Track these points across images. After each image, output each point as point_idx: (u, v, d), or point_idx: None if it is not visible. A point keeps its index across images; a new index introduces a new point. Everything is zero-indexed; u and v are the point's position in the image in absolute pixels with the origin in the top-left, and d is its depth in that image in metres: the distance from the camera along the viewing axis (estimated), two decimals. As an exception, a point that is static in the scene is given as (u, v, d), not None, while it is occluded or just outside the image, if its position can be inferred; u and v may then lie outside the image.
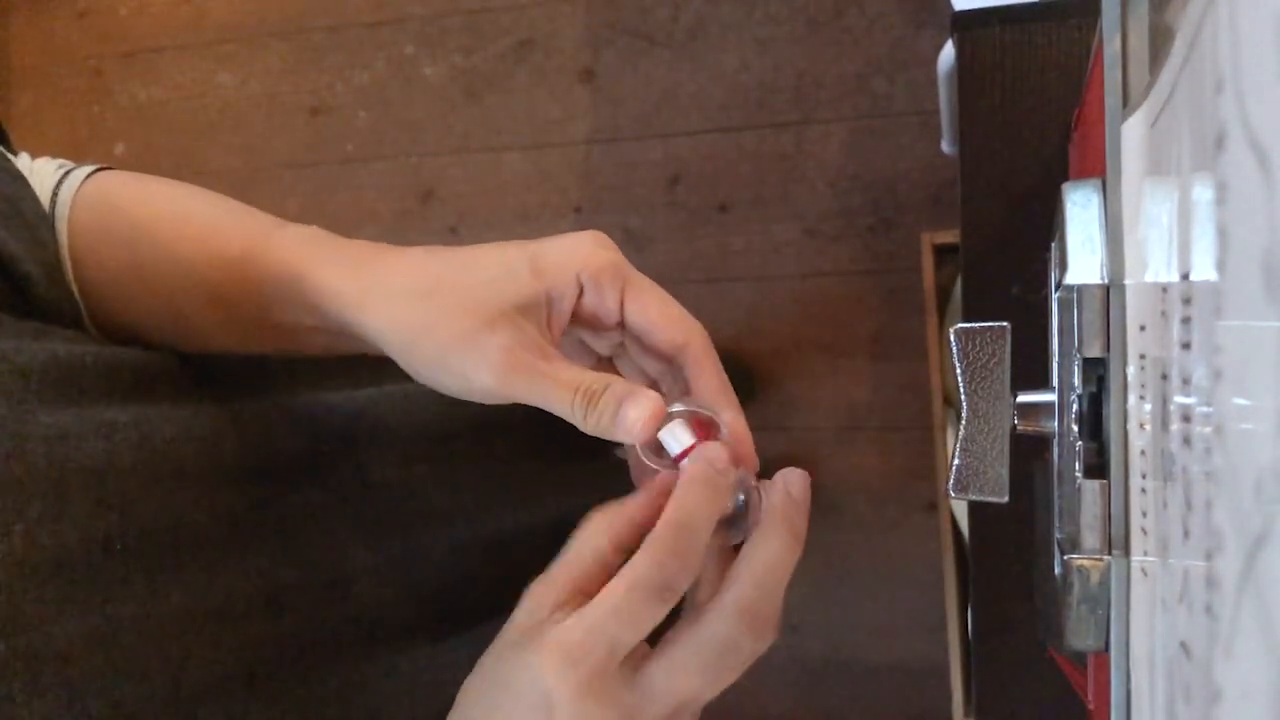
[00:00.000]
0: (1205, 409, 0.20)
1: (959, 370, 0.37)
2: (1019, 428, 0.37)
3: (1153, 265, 0.28)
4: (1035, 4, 0.58)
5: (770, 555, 0.35)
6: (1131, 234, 0.30)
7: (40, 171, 0.45)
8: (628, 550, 0.34)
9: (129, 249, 0.43)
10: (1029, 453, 0.45)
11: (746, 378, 1.39)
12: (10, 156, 0.45)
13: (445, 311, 0.35)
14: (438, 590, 0.53)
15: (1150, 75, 0.30)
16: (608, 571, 0.34)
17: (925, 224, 1.33)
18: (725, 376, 0.39)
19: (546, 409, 0.36)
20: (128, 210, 0.44)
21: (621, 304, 0.38)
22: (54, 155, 0.50)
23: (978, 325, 0.37)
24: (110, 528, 0.36)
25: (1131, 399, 0.29)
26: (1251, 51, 0.17)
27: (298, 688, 0.44)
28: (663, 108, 1.45)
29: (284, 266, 0.40)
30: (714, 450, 0.37)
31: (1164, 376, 0.25)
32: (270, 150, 1.62)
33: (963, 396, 0.37)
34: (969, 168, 0.60)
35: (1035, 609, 0.51)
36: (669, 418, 0.36)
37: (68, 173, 0.45)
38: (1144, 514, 0.28)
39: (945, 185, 1.34)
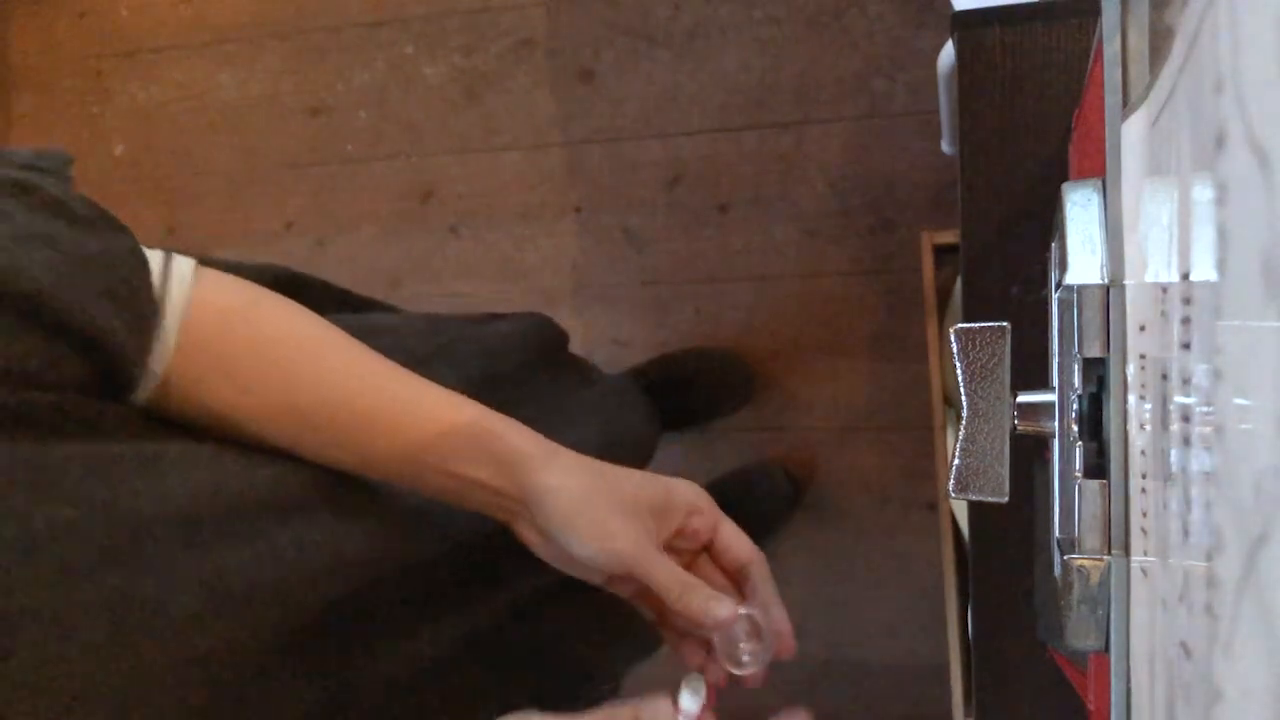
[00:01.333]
0: (1205, 409, 0.20)
1: (959, 370, 0.37)
2: (1019, 428, 0.37)
3: (1153, 265, 0.28)
4: (1035, 4, 0.58)
5: None
6: (1131, 234, 0.30)
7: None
8: None
9: (284, 386, 0.48)
10: (1029, 453, 0.45)
11: (746, 378, 1.39)
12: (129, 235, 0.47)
13: (608, 493, 0.50)
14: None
15: (1150, 75, 0.30)
16: None
17: (925, 224, 1.33)
18: (774, 584, 0.54)
19: (649, 583, 0.50)
20: (285, 349, 0.50)
21: (713, 532, 0.54)
22: None
23: (978, 325, 0.37)
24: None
25: (1131, 399, 0.29)
26: (1251, 51, 0.17)
27: None
28: (663, 108, 1.45)
29: (480, 426, 0.50)
30: None
31: (1164, 376, 0.25)
32: (270, 150, 1.62)
33: (963, 396, 0.37)
34: (969, 168, 0.60)
35: (1035, 609, 0.51)
36: (740, 619, 0.52)
37: (168, 257, 0.47)
38: (1144, 514, 0.28)
39: (945, 185, 1.34)
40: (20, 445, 0.37)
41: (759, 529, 1.37)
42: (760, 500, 1.35)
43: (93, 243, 0.43)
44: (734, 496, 1.35)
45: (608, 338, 1.46)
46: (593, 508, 0.49)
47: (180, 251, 0.48)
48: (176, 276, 0.46)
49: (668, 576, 0.50)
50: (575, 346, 1.46)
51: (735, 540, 0.54)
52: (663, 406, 1.35)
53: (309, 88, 1.61)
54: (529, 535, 0.52)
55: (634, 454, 1.04)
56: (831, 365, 1.38)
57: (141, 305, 0.44)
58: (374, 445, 0.49)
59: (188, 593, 0.41)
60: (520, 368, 0.78)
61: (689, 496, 0.53)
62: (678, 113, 1.44)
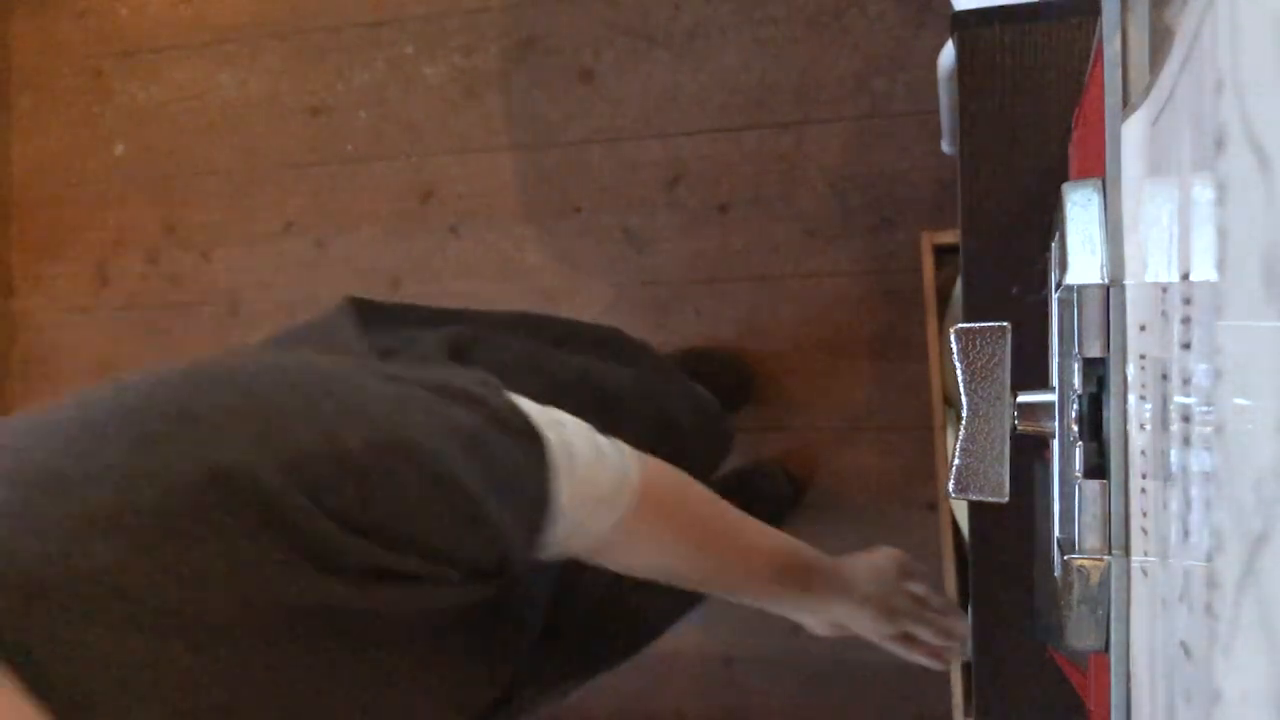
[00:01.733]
0: (1205, 409, 0.20)
1: (959, 370, 0.37)
2: (1019, 428, 0.37)
3: (1153, 265, 0.28)
4: (1035, 4, 0.58)
5: None
6: (1131, 234, 0.30)
7: (607, 450, 0.57)
8: None
9: (690, 557, 0.65)
10: (1029, 453, 0.45)
11: (746, 378, 1.39)
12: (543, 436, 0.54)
13: (870, 593, 0.73)
14: None
15: (1150, 75, 0.30)
16: None
17: (925, 224, 1.33)
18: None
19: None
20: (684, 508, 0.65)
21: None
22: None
23: (978, 325, 0.37)
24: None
25: (1131, 399, 0.29)
26: (1251, 51, 0.17)
27: None
28: (663, 108, 1.45)
29: (784, 553, 0.72)
30: None
31: (1164, 377, 0.25)
32: (270, 150, 1.62)
33: (963, 396, 0.37)
34: (969, 168, 0.60)
35: (1035, 609, 0.51)
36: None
37: (623, 458, 0.58)
38: (1144, 514, 0.28)
39: (945, 185, 1.34)
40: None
41: (759, 529, 1.37)
42: (760, 500, 1.36)
43: (517, 454, 0.51)
44: (734, 497, 1.35)
45: (608, 338, 1.46)
46: (882, 627, 0.73)
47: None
48: (632, 480, 0.57)
49: (902, 647, 0.75)
50: (575, 346, 1.46)
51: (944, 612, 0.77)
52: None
53: (309, 88, 1.61)
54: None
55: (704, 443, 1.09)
56: (831, 365, 1.38)
57: (538, 513, 0.52)
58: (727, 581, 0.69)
59: None
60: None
61: (904, 561, 0.76)
62: (678, 113, 1.44)
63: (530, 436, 0.51)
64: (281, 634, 0.40)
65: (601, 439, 0.57)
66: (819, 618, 0.72)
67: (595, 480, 0.55)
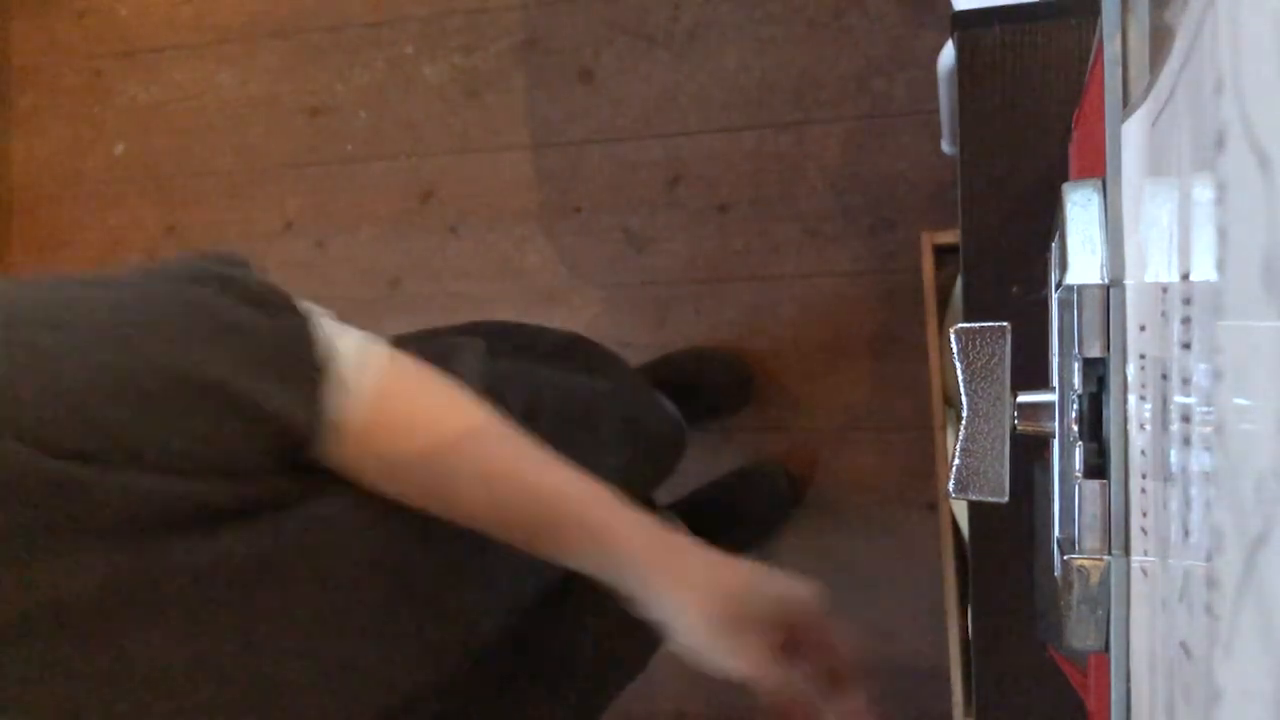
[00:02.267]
0: (1205, 409, 0.20)
1: (959, 370, 0.37)
2: (1019, 428, 0.37)
3: (1153, 265, 0.28)
4: (1035, 4, 0.58)
5: None
6: (1131, 234, 0.30)
7: (324, 335, 0.51)
8: None
9: (427, 470, 0.52)
10: (1029, 453, 0.45)
11: (746, 378, 1.39)
12: (303, 310, 0.51)
13: (724, 611, 0.52)
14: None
15: (1150, 75, 0.30)
16: None
17: (925, 224, 1.33)
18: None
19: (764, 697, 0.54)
20: (448, 444, 0.52)
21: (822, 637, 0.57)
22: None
23: (978, 325, 0.37)
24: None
25: (1131, 399, 0.29)
26: (1251, 51, 0.17)
27: None
28: (663, 108, 1.45)
29: (620, 547, 0.53)
30: None
31: (1164, 377, 0.25)
32: (270, 150, 1.62)
33: (963, 396, 0.37)
34: (969, 168, 0.60)
35: (1035, 609, 0.51)
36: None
37: (368, 342, 0.52)
38: (1144, 514, 0.28)
39: (945, 185, 1.34)
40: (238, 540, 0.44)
41: (759, 529, 1.37)
42: (760, 500, 1.35)
43: (278, 325, 0.48)
44: (734, 496, 1.35)
45: (608, 338, 1.45)
46: (707, 633, 0.52)
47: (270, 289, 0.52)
48: (373, 369, 0.50)
49: (782, 685, 0.54)
50: (575, 346, 1.46)
51: (843, 647, 0.57)
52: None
53: (309, 88, 1.61)
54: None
55: (659, 453, 1.05)
56: (831, 365, 1.38)
57: (314, 384, 0.48)
58: (513, 537, 0.55)
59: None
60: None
61: (804, 605, 0.55)
62: (678, 113, 1.44)
63: (279, 306, 0.49)
64: (121, 617, 0.39)
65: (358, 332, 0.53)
66: (656, 607, 0.53)
67: (346, 342, 0.51)
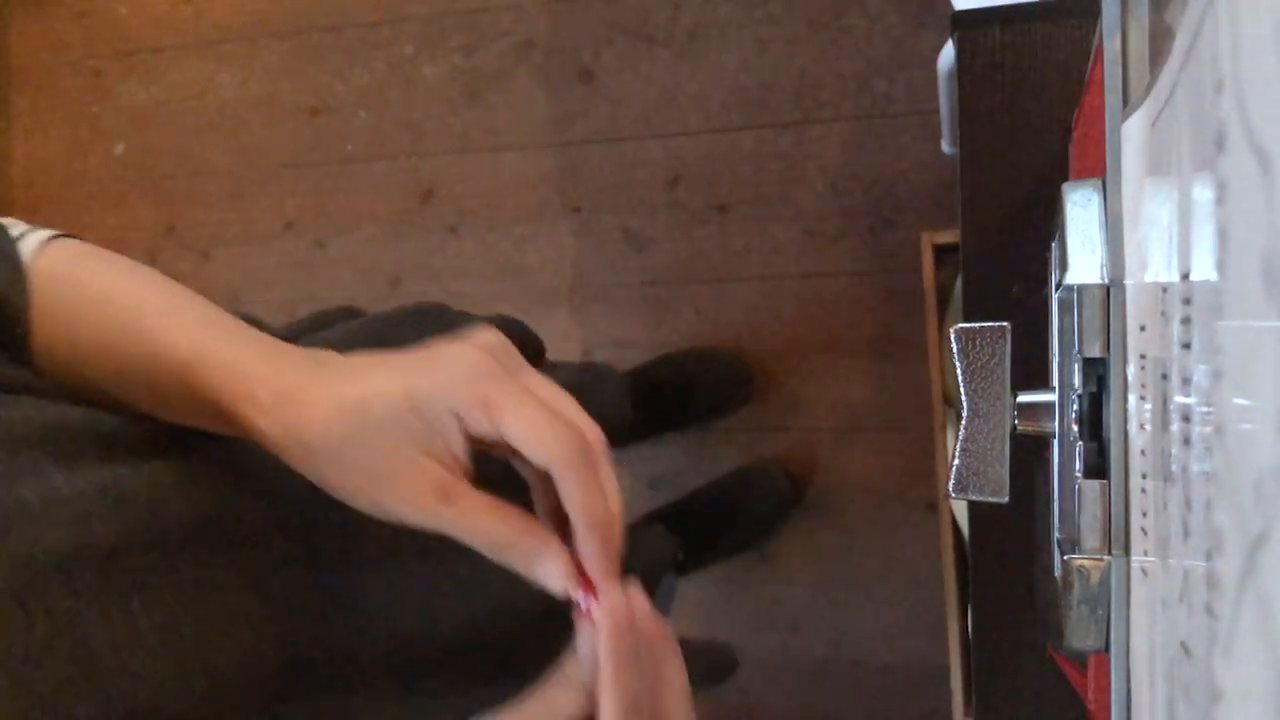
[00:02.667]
0: (1205, 409, 0.20)
1: (959, 370, 0.37)
2: (1019, 428, 0.37)
3: (1153, 265, 0.28)
4: (1035, 4, 0.58)
5: (674, 677, 0.38)
6: (1131, 234, 0.30)
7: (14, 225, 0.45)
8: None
9: (69, 329, 0.43)
10: (1029, 453, 0.45)
11: (746, 378, 1.39)
12: None
13: (352, 468, 0.37)
14: (459, 632, 0.55)
15: (1150, 75, 0.30)
16: None
17: (925, 224, 1.33)
18: (598, 497, 0.37)
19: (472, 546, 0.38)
20: (74, 287, 0.44)
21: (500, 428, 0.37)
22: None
23: (978, 325, 0.37)
24: (131, 605, 0.37)
25: (1131, 399, 0.29)
26: (1251, 51, 0.17)
27: None
28: (663, 108, 1.45)
29: (208, 389, 0.40)
30: (617, 614, 0.37)
31: (1164, 376, 0.25)
32: (270, 150, 1.62)
33: (963, 396, 0.37)
34: (969, 168, 0.60)
35: (1035, 609, 0.51)
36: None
37: (23, 234, 0.45)
38: (1144, 514, 0.28)
39: (945, 185, 1.34)
40: None
41: (759, 529, 1.37)
42: (760, 500, 1.35)
43: None
44: (734, 496, 1.35)
45: (608, 338, 1.46)
46: (347, 493, 0.38)
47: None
48: (27, 242, 0.44)
49: (473, 536, 0.37)
50: (575, 347, 1.46)
51: (525, 432, 0.36)
52: (663, 407, 1.35)
53: (309, 88, 1.61)
54: None
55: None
56: (831, 365, 1.38)
57: (10, 258, 0.42)
58: (145, 401, 0.43)
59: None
60: None
61: (443, 401, 0.37)
62: (678, 113, 1.44)
63: None
64: None
65: None
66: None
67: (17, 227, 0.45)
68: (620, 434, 1.07)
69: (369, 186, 1.58)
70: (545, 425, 0.36)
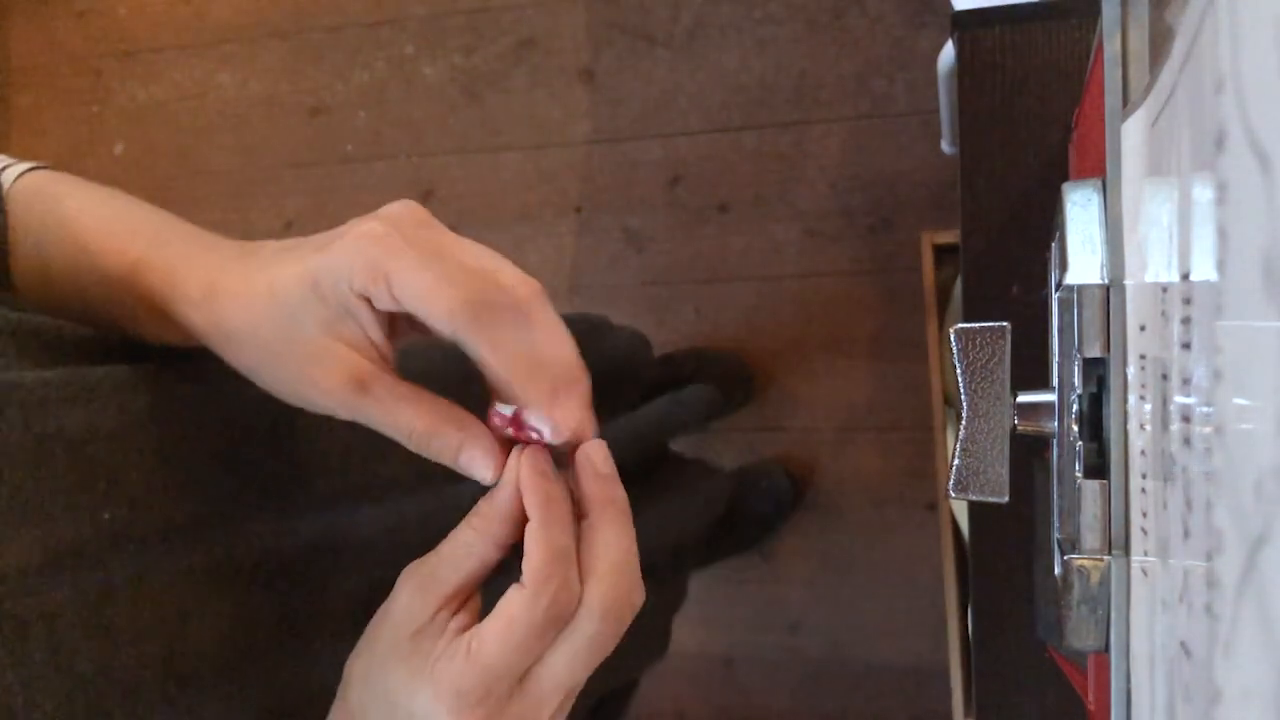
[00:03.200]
0: (1205, 409, 0.20)
1: (959, 370, 0.37)
2: (1019, 428, 0.37)
3: (1153, 265, 0.28)
4: (1035, 4, 0.58)
5: (612, 542, 0.35)
6: (1131, 234, 0.30)
7: None
8: (506, 545, 0.36)
9: (37, 251, 0.43)
10: (1029, 453, 0.45)
11: (746, 378, 1.39)
12: None
13: (272, 357, 0.36)
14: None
15: (1150, 75, 0.30)
16: (486, 570, 0.36)
17: (925, 224, 1.33)
18: (515, 346, 0.34)
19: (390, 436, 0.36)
20: (39, 210, 0.44)
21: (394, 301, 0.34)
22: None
23: (978, 325, 0.37)
24: (96, 496, 0.37)
25: (1131, 399, 0.29)
26: (1251, 51, 0.17)
27: (292, 660, 0.44)
28: (663, 108, 1.45)
29: (150, 292, 0.39)
30: (540, 467, 0.35)
31: (1164, 376, 0.25)
32: (270, 150, 1.62)
33: (963, 396, 0.37)
34: (969, 168, 0.60)
35: (1035, 609, 0.51)
36: (500, 417, 0.35)
37: (6, 166, 0.45)
38: (1144, 514, 0.28)
39: (945, 185, 1.34)
40: None
41: (759, 529, 1.37)
42: (760, 500, 1.36)
43: None
44: (734, 496, 1.35)
45: (608, 338, 1.46)
46: (271, 382, 0.36)
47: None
48: (11, 173, 0.44)
49: (392, 426, 0.35)
50: (575, 346, 1.46)
51: (418, 289, 0.33)
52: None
53: (309, 88, 1.61)
54: None
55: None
56: (831, 365, 1.38)
57: None
58: (108, 316, 0.42)
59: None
60: None
61: (340, 280, 0.34)
62: (678, 113, 1.44)
63: None
64: None
65: None
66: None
67: None
68: (639, 379, 1.05)
69: (369, 186, 1.58)
70: (438, 278, 0.33)
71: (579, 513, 0.36)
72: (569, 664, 0.34)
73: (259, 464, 0.46)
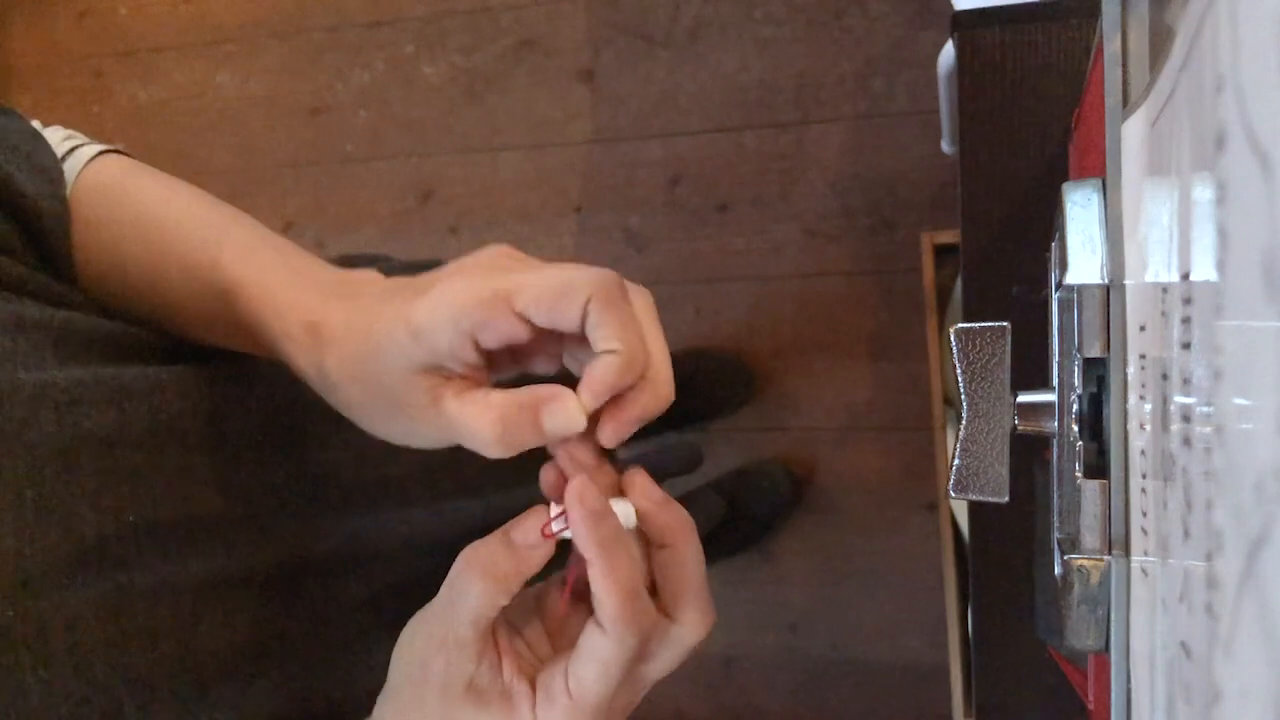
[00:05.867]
0: (1205, 409, 0.20)
1: (959, 370, 0.37)
2: (1019, 428, 0.37)
3: (1153, 265, 0.28)
4: (1035, 4, 0.58)
5: (692, 562, 0.37)
6: (1131, 234, 0.30)
7: (49, 139, 0.45)
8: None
9: (115, 242, 0.43)
10: (1029, 453, 0.45)
11: (746, 378, 1.39)
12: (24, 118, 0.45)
13: (363, 397, 0.36)
14: (444, 567, 0.54)
15: (1150, 75, 0.30)
16: (557, 621, 0.37)
17: (925, 224, 1.33)
18: (629, 329, 0.34)
19: (476, 448, 0.35)
20: (122, 204, 0.44)
21: (527, 319, 0.34)
22: None
23: (978, 325, 0.37)
24: (121, 498, 0.37)
25: (1131, 399, 0.29)
26: (1251, 51, 0.17)
27: (305, 663, 0.44)
28: (663, 108, 1.45)
29: (246, 316, 0.40)
30: (592, 506, 0.35)
31: (1164, 376, 0.25)
32: (270, 150, 1.62)
33: (963, 396, 0.37)
34: (969, 168, 0.60)
35: (1035, 609, 0.51)
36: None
37: (74, 148, 0.45)
38: (1144, 514, 0.28)
39: (945, 185, 1.34)
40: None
41: (759, 529, 1.37)
42: (760, 500, 1.36)
43: (14, 124, 0.43)
44: (734, 496, 1.35)
45: (608, 338, 1.46)
46: (359, 396, 0.37)
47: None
48: (74, 159, 0.44)
49: (463, 428, 0.35)
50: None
51: (551, 300, 0.33)
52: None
53: (309, 88, 1.61)
54: None
55: None
56: (831, 365, 1.38)
57: (45, 167, 0.43)
58: (182, 318, 0.43)
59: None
60: None
61: (444, 321, 0.34)
62: (678, 113, 1.44)
63: (7, 111, 0.44)
64: None
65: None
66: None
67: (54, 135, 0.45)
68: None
69: (369, 186, 1.58)
70: (564, 272, 0.34)
71: (651, 540, 0.36)
72: (665, 668, 0.36)
73: (279, 470, 0.46)
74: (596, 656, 0.34)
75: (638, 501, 0.36)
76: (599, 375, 0.34)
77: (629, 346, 0.34)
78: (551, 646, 0.38)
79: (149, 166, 0.46)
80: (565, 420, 0.34)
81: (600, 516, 0.34)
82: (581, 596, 0.37)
